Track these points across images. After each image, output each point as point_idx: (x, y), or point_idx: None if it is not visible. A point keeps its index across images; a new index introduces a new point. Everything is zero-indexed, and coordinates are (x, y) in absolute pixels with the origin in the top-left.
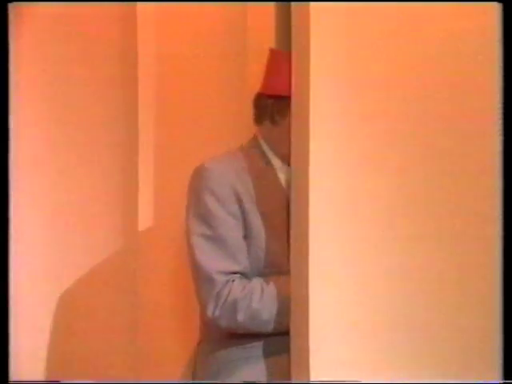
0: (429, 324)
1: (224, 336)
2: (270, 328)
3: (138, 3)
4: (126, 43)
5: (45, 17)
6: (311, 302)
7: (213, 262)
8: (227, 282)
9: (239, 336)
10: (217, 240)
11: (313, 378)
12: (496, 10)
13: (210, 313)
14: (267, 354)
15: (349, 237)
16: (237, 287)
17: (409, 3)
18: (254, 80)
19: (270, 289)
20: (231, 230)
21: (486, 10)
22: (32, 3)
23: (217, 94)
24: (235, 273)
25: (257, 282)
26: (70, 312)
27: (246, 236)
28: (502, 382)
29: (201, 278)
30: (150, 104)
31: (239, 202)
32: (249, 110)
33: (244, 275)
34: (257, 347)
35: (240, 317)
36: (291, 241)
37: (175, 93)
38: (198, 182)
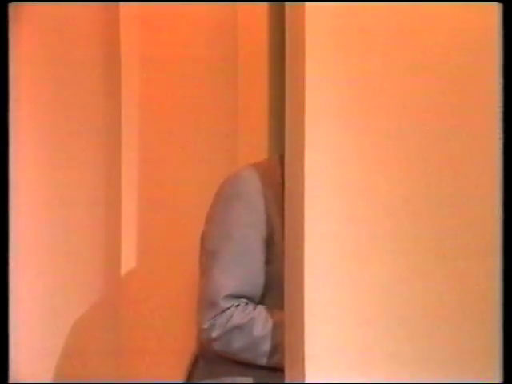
0: (428, 324)
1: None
2: (268, 362)
3: (121, 3)
4: (109, 44)
5: (45, 17)
6: (306, 301)
7: (221, 284)
8: (231, 305)
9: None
10: (238, 256)
11: (308, 380)
12: (496, 9)
13: (204, 334)
14: (274, 378)
15: (345, 237)
16: (240, 312)
17: (407, 3)
18: (245, 83)
19: (276, 318)
20: (256, 250)
21: (486, 10)
22: (32, 3)
23: (205, 98)
24: (245, 296)
25: (262, 310)
26: (69, 313)
27: (269, 261)
28: (502, 382)
29: (205, 297)
30: (133, 114)
31: (270, 224)
32: (240, 113)
33: (252, 301)
34: (262, 370)
35: (237, 344)
36: (285, 239)
37: (161, 98)
38: (230, 190)
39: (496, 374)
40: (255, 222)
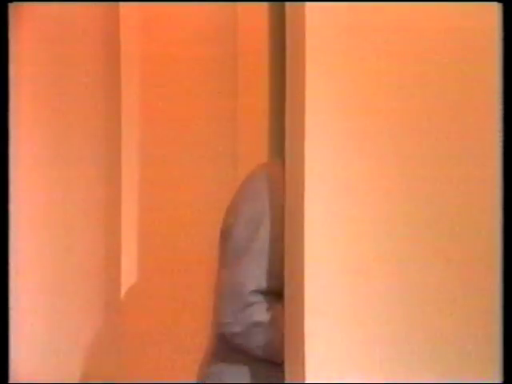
0: (428, 324)
1: (242, 353)
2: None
3: (121, 3)
4: (109, 44)
5: (45, 17)
6: (306, 301)
7: (249, 277)
8: (256, 301)
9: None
10: (259, 251)
11: (308, 380)
12: (496, 9)
13: (227, 328)
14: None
15: (345, 237)
16: (263, 309)
17: (408, 3)
18: (245, 83)
19: None
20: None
21: (486, 10)
22: (32, 3)
23: (205, 98)
24: (270, 291)
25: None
26: (69, 313)
27: None
28: (502, 382)
29: (230, 290)
30: (133, 114)
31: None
32: (240, 114)
33: (277, 296)
34: (275, 369)
35: (256, 341)
36: (285, 238)
37: (160, 98)
38: (259, 184)
39: (496, 374)
40: (283, 216)
